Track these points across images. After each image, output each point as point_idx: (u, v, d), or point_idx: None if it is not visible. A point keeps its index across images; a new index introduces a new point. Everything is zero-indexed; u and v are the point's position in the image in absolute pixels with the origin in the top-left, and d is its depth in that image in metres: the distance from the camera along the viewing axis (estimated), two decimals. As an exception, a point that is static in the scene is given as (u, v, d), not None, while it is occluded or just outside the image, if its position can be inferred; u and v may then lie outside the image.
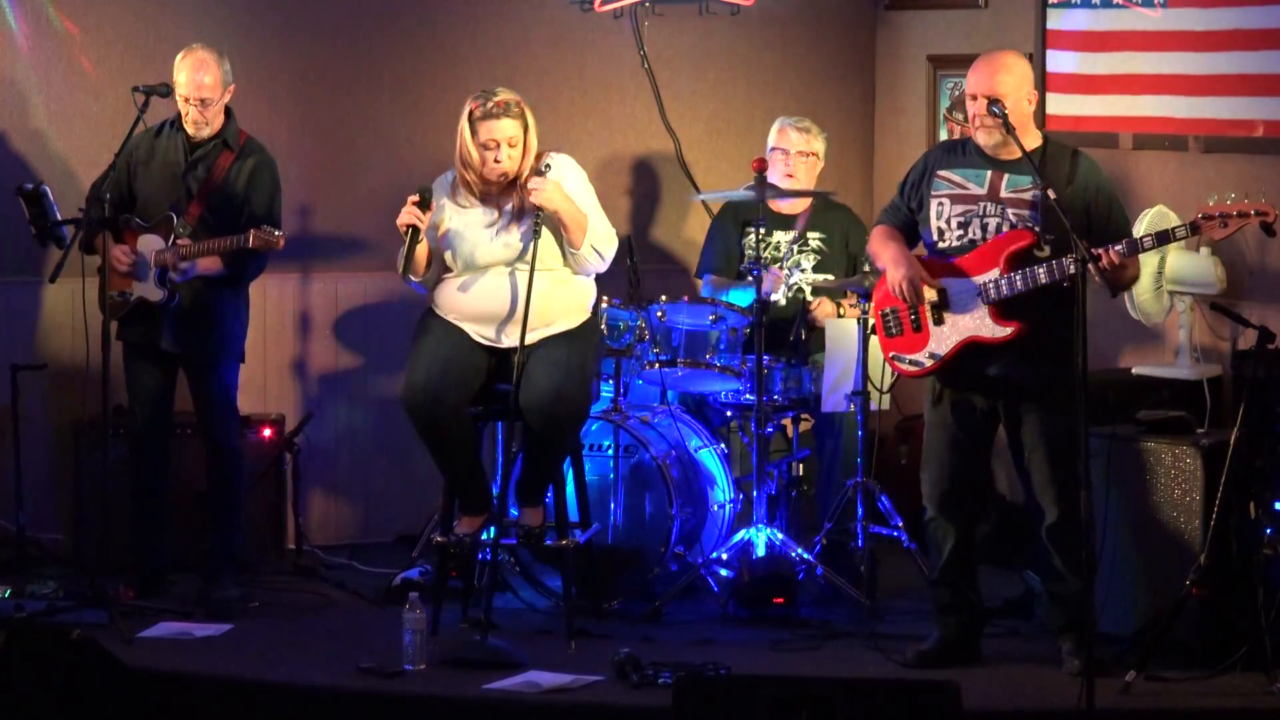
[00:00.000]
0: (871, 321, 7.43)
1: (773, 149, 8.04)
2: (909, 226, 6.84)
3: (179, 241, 7.34)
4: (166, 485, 7.60)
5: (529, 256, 6.92)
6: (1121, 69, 8.00)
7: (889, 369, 7.04)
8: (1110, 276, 6.43)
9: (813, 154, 8.05)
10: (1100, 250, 6.37)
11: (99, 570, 7.20)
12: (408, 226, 6.97)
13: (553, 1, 8.78)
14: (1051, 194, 6.37)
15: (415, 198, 7.00)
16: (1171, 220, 7.31)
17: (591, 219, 7.05)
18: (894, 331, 6.81)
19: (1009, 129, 6.56)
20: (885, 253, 6.78)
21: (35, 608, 7.11)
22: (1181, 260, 7.48)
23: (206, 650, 6.91)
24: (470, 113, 6.99)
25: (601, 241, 7.07)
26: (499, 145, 6.97)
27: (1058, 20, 8.26)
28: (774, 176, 7.90)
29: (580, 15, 8.80)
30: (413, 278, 7.12)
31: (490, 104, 6.95)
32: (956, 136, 8.76)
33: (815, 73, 9.13)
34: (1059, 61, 8.26)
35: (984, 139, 6.66)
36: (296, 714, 6.50)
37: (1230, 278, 7.52)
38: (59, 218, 7.51)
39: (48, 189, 7.59)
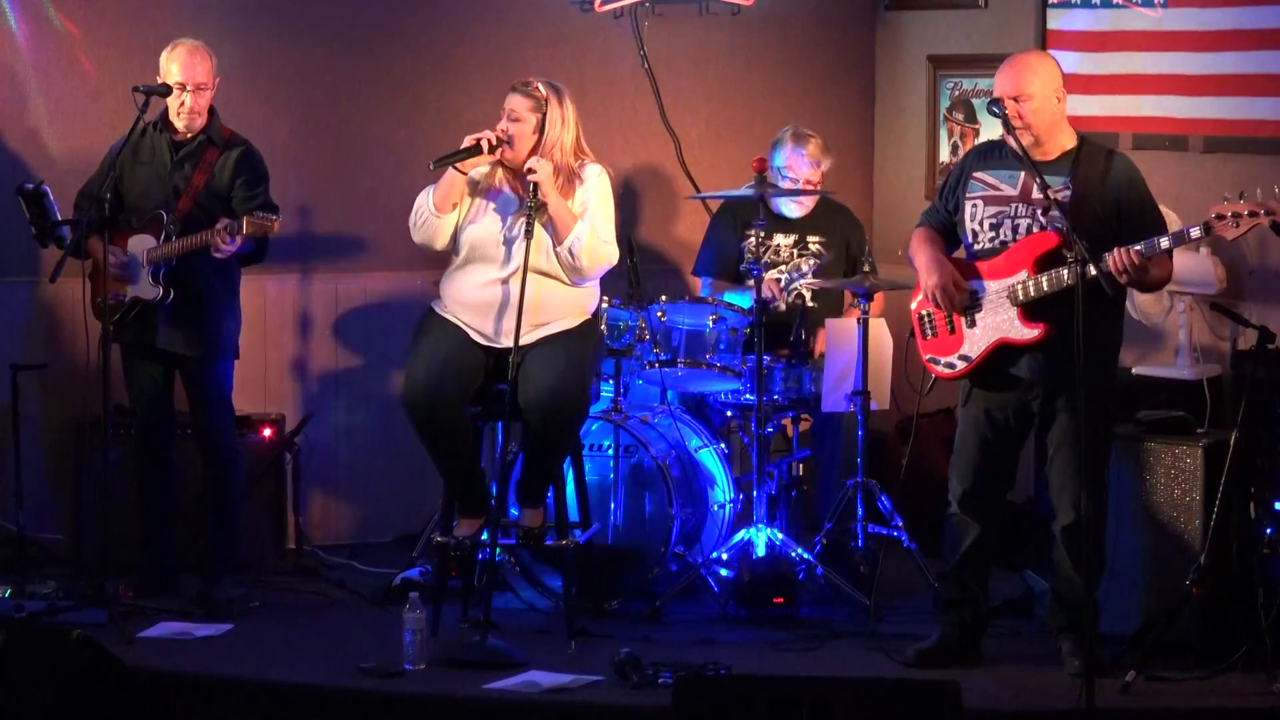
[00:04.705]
0: (867, 319, 7.50)
1: (779, 168, 7.96)
2: (948, 228, 6.81)
3: (248, 218, 7.14)
4: (171, 485, 7.60)
5: (530, 250, 6.93)
6: (1121, 69, 8.00)
7: (926, 371, 7.02)
8: (1132, 277, 6.40)
9: (820, 176, 8.01)
10: (1114, 252, 6.35)
11: (99, 570, 7.20)
12: (477, 140, 7.01)
13: (553, 1, 8.78)
14: (1054, 193, 6.36)
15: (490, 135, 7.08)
16: (1172, 220, 7.31)
17: (584, 226, 7.02)
18: (930, 334, 6.80)
19: (1009, 129, 6.56)
20: (919, 257, 6.75)
21: (35, 608, 7.11)
22: (1181, 260, 7.46)
23: (206, 650, 6.90)
24: None
25: (583, 249, 7.00)
26: (504, 114, 7.08)
27: (1058, 20, 8.26)
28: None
29: (580, 15, 8.80)
30: (434, 213, 7.08)
31: (520, 81, 7.13)
32: (957, 137, 8.77)
33: (815, 73, 9.13)
34: (1059, 61, 8.23)
35: (1020, 139, 6.60)
36: (296, 714, 6.49)
37: (1230, 278, 7.52)
38: (59, 218, 7.50)
39: (48, 189, 7.57)
